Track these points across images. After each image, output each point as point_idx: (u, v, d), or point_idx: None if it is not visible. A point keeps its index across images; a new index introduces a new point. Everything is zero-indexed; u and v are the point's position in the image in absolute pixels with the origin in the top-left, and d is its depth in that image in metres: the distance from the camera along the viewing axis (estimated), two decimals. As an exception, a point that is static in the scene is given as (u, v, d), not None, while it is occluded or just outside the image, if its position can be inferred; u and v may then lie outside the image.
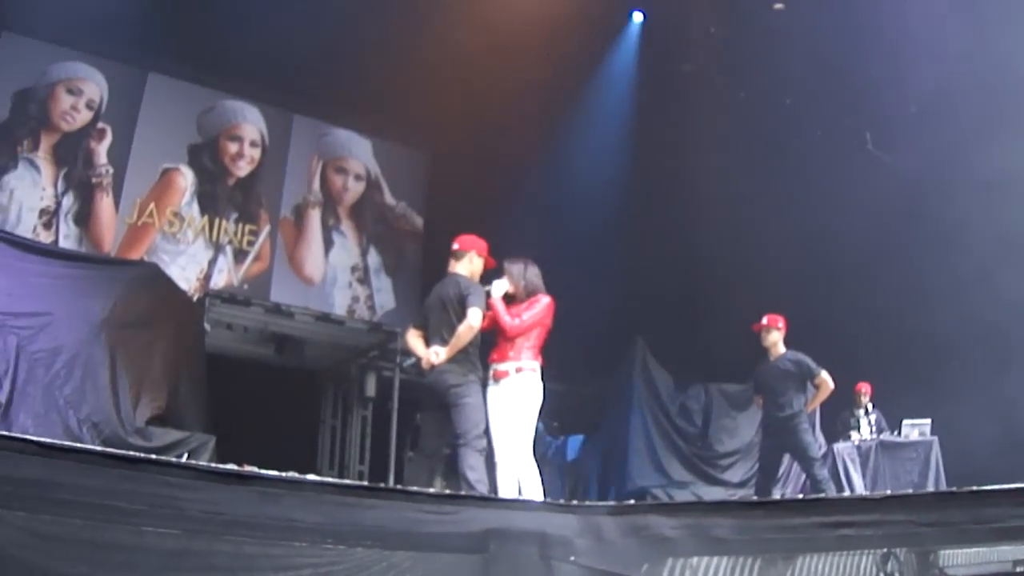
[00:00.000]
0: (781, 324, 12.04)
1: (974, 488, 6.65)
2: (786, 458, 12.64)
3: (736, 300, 14.92)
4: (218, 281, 15.77)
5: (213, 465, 6.75)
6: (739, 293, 15.34)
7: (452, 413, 8.91)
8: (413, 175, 18.68)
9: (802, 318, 13.11)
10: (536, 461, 12.44)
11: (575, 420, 15.91)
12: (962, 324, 13.98)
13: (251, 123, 16.83)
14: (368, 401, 15.66)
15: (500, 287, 9.50)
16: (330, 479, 6.54)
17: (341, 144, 17.95)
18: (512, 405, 9.17)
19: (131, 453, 5.97)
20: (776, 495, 12.68)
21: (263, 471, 6.23)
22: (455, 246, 9.52)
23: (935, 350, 14.54)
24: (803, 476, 13.24)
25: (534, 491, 9.02)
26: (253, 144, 16.71)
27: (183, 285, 14.53)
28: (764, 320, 12.08)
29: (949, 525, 6.63)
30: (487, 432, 9.02)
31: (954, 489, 7.62)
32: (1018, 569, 7.81)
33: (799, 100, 16.35)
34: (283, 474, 6.14)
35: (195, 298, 13.71)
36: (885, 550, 8.40)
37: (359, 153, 18.07)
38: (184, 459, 7.72)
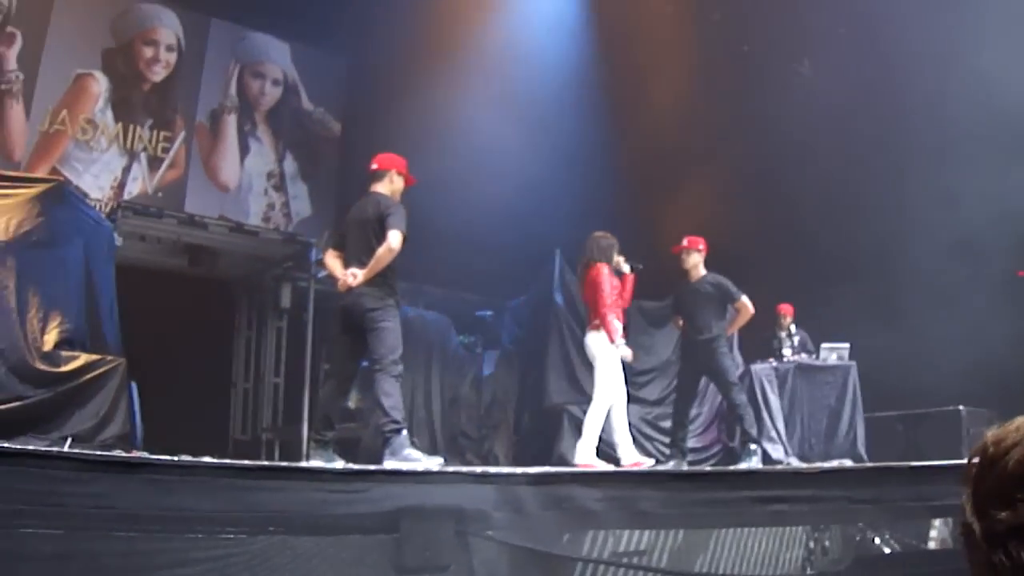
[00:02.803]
0: (702, 246, 11.96)
1: (911, 464, 6.66)
2: (703, 379, 12.66)
3: (658, 216, 14.91)
4: (132, 189, 15.38)
5: (98, 454, 6.50)
6: (662, 209, 15.34)
7: (368, 337, 8.88)
8: (331, 80, 18.37)
9: (728, 239, 13.16)
10: (454, 376, 12.74)
11: (492, 334, 15.86)
12: (892, 248, 14.16)
13: (167, 27, 16.24)
14: (283, 312, 15.53)
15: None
16: (227, 461, 6.29)
17: (259, 48, 17.52)
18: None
19: (3, 446, 5.62)
20: (692, 412, 12.76)
21: (152, 456, 6.00)
22: (374, 166, 9.42)
23: (860, 272, 14.70)
24: (719, 397, 13.32)
25: None
26: (169, 48, 16.20)
27: (96, 194, 14.28)
28: (684, 242, 12.00)
29: (885, 502, 6.61)
30: (403, 358, 9.03)
31: (891, 464, 7.65)
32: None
33: (726, 17, 16.30)
34: (175, 459, 5.89)
35: (108, 207, 13.46)
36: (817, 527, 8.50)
37: (277, 57, 17.67)
38: (68, 445, 7.47)
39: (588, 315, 11.17)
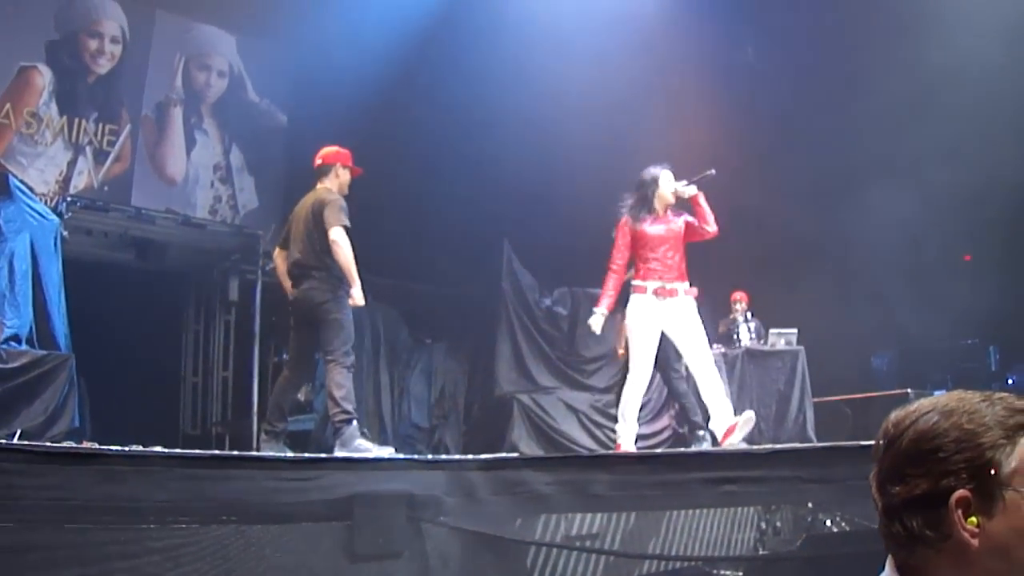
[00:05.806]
0: (642, 229, 11.92)
1: (861, 443, 6.71)
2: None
3: (605, 202, 14.94)
4: (78, 183, 15.18)
5: (49, 445, 6.49)
6: (609, 195, 15.36)
7: (321, 329, 8.90)
8: (277, 71, 18.27)
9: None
10: (403, 367, 12.60)
11: (441, 324, 15.85)
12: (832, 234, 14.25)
13: (111, 19, 15.99)
14: (231, 305, 15.51)
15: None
16: (178, 451, 6.32)
17: (205, 40, 17.31)
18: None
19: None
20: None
21: (104, 448, 5.97)
22: (318, 161, 9.40)
23: (808, 258, 14.79)
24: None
25: None
26: (114, 40, 15.99)
27: (42, 188, 14.14)
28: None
29: (834, 482, 6.69)
30: (355, 349, 9.06)
31: (840, 444, 7.70)
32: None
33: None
34: (126, 449, 5.91)
35: (54, 202, 13.36)
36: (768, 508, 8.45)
37: (223, 49, 17.49)
38: (17, 437, 7.42)
39: None
